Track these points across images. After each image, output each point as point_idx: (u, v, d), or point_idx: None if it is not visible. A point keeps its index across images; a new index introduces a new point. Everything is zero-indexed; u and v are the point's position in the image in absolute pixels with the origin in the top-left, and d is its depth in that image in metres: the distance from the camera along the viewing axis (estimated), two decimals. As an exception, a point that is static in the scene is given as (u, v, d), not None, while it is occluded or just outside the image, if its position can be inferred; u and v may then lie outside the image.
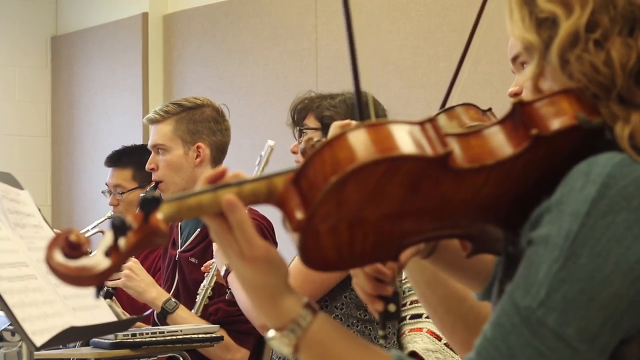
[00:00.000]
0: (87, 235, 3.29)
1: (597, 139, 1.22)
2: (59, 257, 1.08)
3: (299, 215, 1.16)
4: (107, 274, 1.09)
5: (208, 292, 2.93)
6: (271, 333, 1.24)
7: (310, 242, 1.19)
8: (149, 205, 1.10)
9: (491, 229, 1.29)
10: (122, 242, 1.09)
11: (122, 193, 3.92)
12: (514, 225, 1.25)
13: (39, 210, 2.46)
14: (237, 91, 5.58)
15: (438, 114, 1.47)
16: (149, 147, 3.38)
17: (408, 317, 2.79)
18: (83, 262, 1.08)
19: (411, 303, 2.82)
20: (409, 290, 2.80)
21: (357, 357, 1.24)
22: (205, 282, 2.90)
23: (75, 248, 1.08)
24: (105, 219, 3.71)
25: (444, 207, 1.22)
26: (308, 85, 5.21)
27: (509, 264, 1.26)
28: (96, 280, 1.09)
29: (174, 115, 3.30)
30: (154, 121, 3.33)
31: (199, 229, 3.28)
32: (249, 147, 5.31)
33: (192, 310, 2.94)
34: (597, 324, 1.15)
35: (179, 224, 3.41)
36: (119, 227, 1.09)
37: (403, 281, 2.79)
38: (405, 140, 1.16)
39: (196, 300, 3.01)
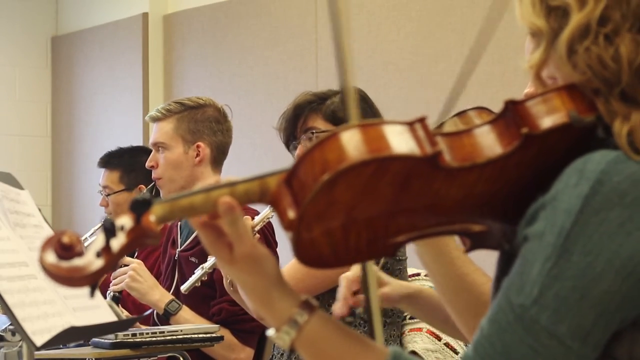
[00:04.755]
0: (85, 244, 3.30)
1: (590, 137, 1.22)
2: (51, 258, 1.09)
3: (291, 214, 1.18)
4: (99, 274, 1.10)
5: (203, 275, 2.83)
6: (270, 332, 1.27)
7: (303, 241, 1.21)
8: (140, 207, 1.12)
9: (488, 224, 1.30)
10: (114, 243, 1.11)
11: (108, 195, 3.93)
12: (511, 221, 1.26)
13: (39, 210, 2.46)
14: (237, 91, 5.58)
15: (451, 117, 1.48)
16: (150, 144, 3.39)
17: (408, 317, 2.79)
18: (75, 262, 1.09)
19: (411, 303, 2.82)
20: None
21: (354, 355, 1.25)
22: (206, 264, 2.81)
23: (67, 249, 1.09)
24: (101, 226, 3.71)
25: (438, 205, 1.23)
26: (308, 85, 5.21)
27: (506, 261, 1.27)
28: (88, 281, 1.10)
29: (176, 113, 3.31)
30: (156, 119, 3.34)
31: (199, 229, 3.27)
32: (249, 147, 5.31)
33: (182, 287, 2.88)
34: (590, 321, 1.15)
35: (179, 223, 3.41)
36: (110, 230, 1.11)
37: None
38: (394, 140, 1.17)
39: (189, 278, 2.90)
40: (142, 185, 3.83)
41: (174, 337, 2.84)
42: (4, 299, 2.02)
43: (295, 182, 1.18)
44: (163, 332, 2.84)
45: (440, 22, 4.82)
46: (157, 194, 3.36)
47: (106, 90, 6.30)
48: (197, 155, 3.29)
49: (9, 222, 2.25)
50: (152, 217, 1.13)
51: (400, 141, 1.17)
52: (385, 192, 1.19)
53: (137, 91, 6.07)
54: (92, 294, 1.13)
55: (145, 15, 6.04)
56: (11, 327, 2.52)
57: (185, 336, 2.85)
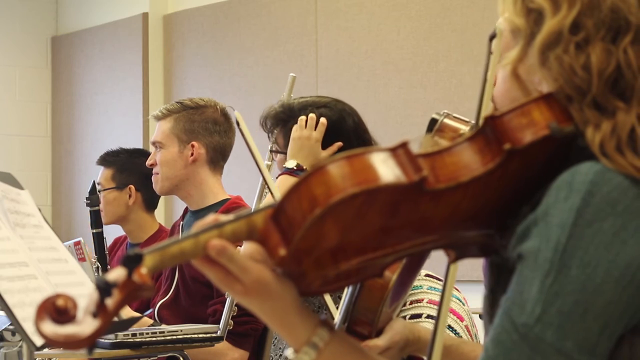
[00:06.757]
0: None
1: (571, 145, 1.21)
2: (48, 325, 1.08)
3: (282, 251, 1.17)
4: (97, 335, 1.09)
5: (232, 312, 2.94)
6: (289, 352, 1.28)
7: (294, 274, 1.22)
8: (132, 262, 1.11)
9: (472, 235, 1.30)
10: (108, 301, 1.10)
11: (99, 191, 3.96)
12: (494, 228, 1.26)
13: (39, 210, 2.46)
14: (237, 91, 5.59)
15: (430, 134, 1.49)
16: (150, 143, 3.42)
17: (408, 317, 2.78)
18: (73, 327, 1.09)
19: (411, 303, 2.82)
20: (410, 290, 2.79)
21: None
22: (227, 301, 2.91)
23: (62, 313, 1.09)
24: (94, 285, 3.68)
25: (425, 224, 1.23)
26: (308, 85, 5.22)
27: (497, 273, 1.27)
28: (87, 343, 1.10)
29: (175, 113, 3.33)
30: (157, 118, 3.38)
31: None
32: (249, 147, 5.31)
33: (219, 332, 2.96)
34: (595, 333, 1.15)
35: (181, 223, 3.42)
36: (103, 289, 1.10)
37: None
38: (380, 169, 1.17)
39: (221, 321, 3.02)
40: (132, 186, 3.85)
41: (174, 337, 2.84)
42: (4, 299, 2.02)
43: (283, 219, 1.17)
44: (163, 332, 2.84)
45: (440, 22, 4.82)
46: (152, 189, 3.40)
47: (106, 90, 6.30)
48: (192, 154, 3.31)
49: (9, 222, 2.25)
50: (143, 269, 1.12)
51: (386, 170, 1.16)
52: (374, 219, 1.19)
53: (137, 91, 6.08)
54: (90, 352, 1.13)
55: (145, 15, 6.05)
56: (11, 327, 2.52)
57: (185, 336, 2.85)
